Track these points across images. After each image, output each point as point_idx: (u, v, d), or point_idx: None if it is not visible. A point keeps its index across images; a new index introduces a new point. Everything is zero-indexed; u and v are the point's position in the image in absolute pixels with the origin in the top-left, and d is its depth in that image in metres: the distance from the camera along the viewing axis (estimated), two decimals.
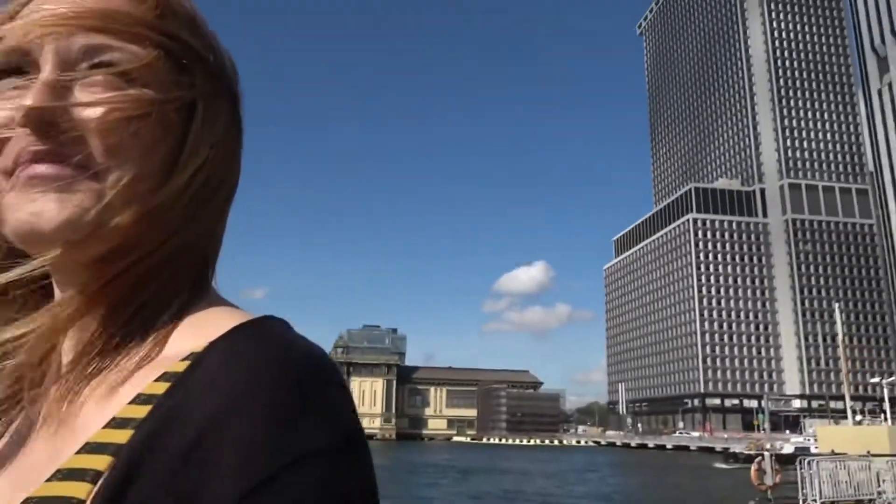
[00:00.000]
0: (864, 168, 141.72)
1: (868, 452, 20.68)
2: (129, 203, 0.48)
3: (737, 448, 67.58)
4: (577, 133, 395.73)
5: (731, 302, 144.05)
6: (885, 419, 40.77)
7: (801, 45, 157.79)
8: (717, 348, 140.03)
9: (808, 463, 17.10)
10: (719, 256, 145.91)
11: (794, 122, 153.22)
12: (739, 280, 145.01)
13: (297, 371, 0.44)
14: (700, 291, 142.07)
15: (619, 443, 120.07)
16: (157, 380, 0.46)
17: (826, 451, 29.32)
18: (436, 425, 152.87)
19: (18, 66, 0.49)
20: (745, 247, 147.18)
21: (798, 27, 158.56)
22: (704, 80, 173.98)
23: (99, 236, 0.48)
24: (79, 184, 0.47)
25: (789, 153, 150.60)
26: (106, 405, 0.47)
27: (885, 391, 44.71)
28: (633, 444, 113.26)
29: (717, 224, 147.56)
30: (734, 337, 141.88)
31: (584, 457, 78.63)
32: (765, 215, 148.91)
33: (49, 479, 0.43)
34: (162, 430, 0.42)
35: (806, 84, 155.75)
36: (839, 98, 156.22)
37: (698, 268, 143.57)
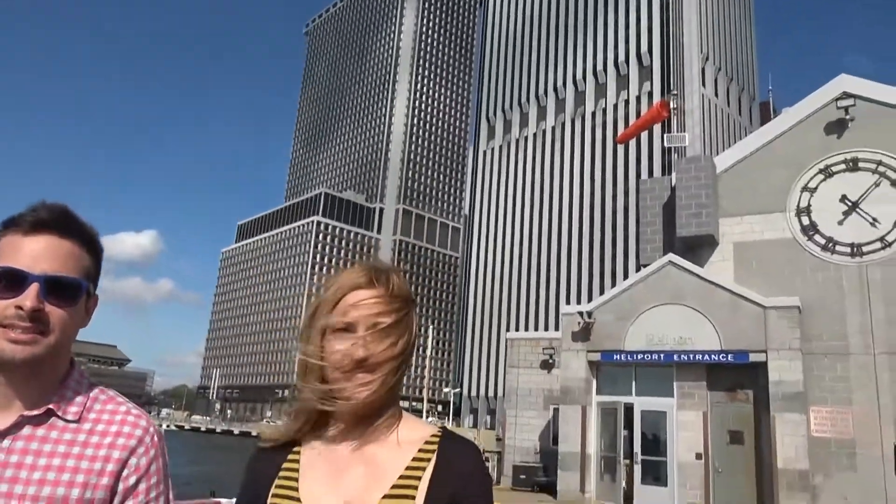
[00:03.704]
0: (461, 210, 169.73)
1: None
2: (391, 381, 1.10)
3: None
4: (225, 118, 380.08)
5: None
6: (449, 420, 50.99)
7: (437, 101, 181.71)
8: None
9: None
10: (334, 261, 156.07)
11: (420, 158, 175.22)
12: None
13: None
14: (310, 290, 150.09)
15: (203, 428, 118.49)
16: (424, 446, 1.09)
17: None
18: None
19: (346, 327, 1.09)
20: (357, 256, 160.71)
21: (440, 80, 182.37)
22: (352, 97, 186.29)
23: (373, 402, 1.10)
24: (380, 379, 1.08)
25: (409, 183, 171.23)
26: (399, 455, 1.08)
27: (451, 398, 55.67)
28: (218, 430, 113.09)
29: (337, 231, 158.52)
30: None
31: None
32: (379, 231, 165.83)
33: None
34: (439, 478, 1.04)
35: (435, 129, 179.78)
36: (458, 149, 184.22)
37: (313, 267, 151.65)
